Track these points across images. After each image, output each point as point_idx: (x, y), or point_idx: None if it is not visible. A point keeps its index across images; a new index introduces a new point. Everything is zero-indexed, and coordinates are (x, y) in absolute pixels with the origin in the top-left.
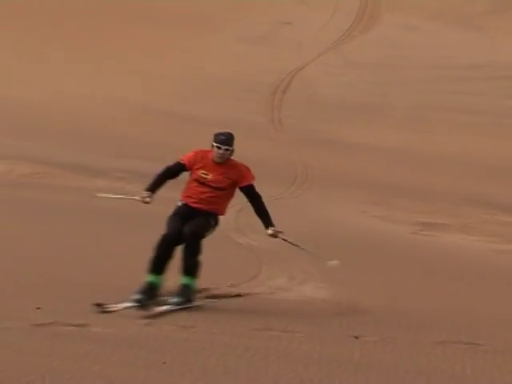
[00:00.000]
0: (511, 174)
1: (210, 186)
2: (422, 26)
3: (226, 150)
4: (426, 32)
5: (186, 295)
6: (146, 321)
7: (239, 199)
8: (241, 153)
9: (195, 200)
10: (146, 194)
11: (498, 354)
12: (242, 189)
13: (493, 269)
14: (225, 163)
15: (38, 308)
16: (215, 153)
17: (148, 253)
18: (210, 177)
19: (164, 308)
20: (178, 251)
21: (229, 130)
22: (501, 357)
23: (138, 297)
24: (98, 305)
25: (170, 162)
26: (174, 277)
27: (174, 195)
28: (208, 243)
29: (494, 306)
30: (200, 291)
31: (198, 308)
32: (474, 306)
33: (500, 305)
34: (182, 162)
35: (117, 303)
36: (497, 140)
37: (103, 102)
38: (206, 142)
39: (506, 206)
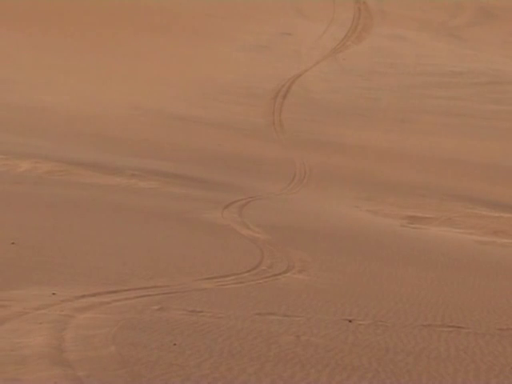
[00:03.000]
0: (490, 172)
1: None
2: (410, 36)
3: None
4: (413, 42)
5: None
6: (157, 306)
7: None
8: (244, 152)
9: None
10: None
11: (480, 336)
12: None
13: (475, 258)
14: None
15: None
16: None
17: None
18: None
19: None
20: None
21: None
22: (482, 339)
23: None
24: None
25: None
26: None
27: (185, 191)
28: (214, 235)
29: (476, 293)
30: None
31: (206, 294)
32: (457, 292)
33: (481, 291)
34: None
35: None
36: (476, 141)
37: (120, 106)
38: (212, 143)
39: (486, 201)
